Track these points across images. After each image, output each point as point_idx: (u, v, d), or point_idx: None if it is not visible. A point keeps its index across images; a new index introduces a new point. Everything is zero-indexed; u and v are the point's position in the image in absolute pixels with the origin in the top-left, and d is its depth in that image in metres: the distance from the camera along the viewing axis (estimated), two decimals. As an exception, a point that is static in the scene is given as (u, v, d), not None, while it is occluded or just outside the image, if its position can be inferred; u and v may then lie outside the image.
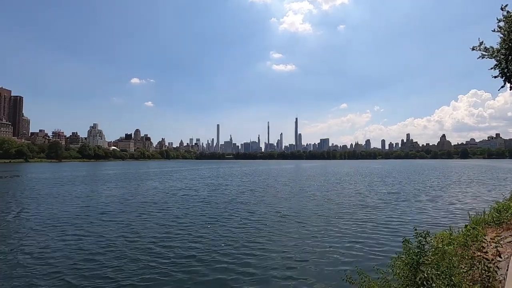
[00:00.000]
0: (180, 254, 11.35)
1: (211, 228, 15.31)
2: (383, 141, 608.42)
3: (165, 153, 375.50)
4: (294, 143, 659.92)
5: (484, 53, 10.54)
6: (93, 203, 23.99)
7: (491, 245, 5.97)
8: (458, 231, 10.43)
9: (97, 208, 21.58)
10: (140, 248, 12.02)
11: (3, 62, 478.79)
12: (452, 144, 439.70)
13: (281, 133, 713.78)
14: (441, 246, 6.07)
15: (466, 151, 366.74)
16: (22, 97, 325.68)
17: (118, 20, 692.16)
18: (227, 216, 18.45)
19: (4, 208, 22.35)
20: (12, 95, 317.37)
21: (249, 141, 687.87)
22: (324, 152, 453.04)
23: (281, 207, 21.67)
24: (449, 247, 6.53)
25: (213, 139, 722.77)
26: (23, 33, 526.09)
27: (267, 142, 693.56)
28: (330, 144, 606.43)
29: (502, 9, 9.77)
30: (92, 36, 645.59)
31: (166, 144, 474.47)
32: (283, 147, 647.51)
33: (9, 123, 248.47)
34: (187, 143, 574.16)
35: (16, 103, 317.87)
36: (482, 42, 10.52)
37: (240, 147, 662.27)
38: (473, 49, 10.68)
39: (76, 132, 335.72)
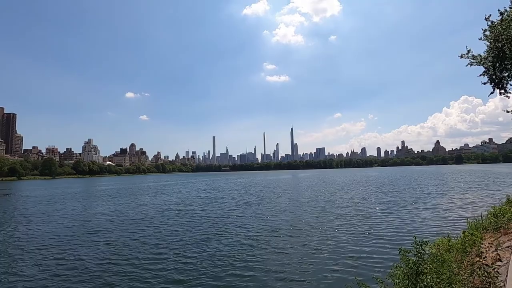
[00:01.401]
0: (172, 274, 10.88)
1: (204, 246, 14.70)
2: (378, 149, 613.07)
3: (161, 166, 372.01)
4: (290, 153, 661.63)
5: (472, 60, 10.81)
6: (83, 222, 23.28)
7: (489, 250, 5.95)
8: (456, 237, 10.40)
9: (87, 227, 20.85)
10: (128, 269, 11.52)
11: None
12: (447, 150, 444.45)
13: (277, 144, 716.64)
14: (439, 254, 6.03)
15: (461, 156, 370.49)
16: (15, 114, 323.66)
17: (112, 35, 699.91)
18: (221, 232, 17.85)
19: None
20: (5, 112, 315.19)
21: (245, 153, 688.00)
22: (321, 161, 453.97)
23: (278, 220, 21.36)
24: (449, 254, 6.49)
25: (209, 151, 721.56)
26: (15, 49, 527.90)
27: (263, 153, 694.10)
28: (326, 153, 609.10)
29: (486, 19, 10.11)
30: (85, 51, 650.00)
31: (162, 157, 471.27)
32: (280, 157, 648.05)
33: (2, 140, 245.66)
34: (183, 156, 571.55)
35: (9, 120, 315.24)
36: (470, 50, 10.81)
37: (236, 159, 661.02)
38: (461, 56, 10.95)
39: (70, 148, 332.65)
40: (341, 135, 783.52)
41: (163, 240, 16.26)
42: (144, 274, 10.97)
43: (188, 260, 12.45)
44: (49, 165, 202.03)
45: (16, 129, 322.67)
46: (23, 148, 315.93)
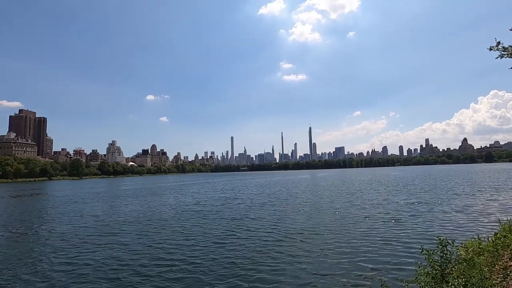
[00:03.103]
0: (185, 278, 10.69)
1: (219, 250, 14.28)
2: (400, 147, 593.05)
3: (181, 167, 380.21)
4: (308, 153, 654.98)
5: (503, 52, 10.20)
6: (103, 222, 23.82)
7: (525, 254, 5.57)
8: (487, 239, 9.87)
9: (107, 228, 21.21)
10: (141, 272, 11.50)
11: (29, 85, 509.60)
12: (475, 148, 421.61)
13: (295, 143, 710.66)
14: (467, 255, 5.74)
15: (491, 154, 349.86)
16: (46, 118, 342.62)
17: (132, 41, 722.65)
18: (237, 235, 17.35)
19: (21, 225, 23.23)
20: (36, 116, 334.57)
21: (263, 152, 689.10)
22: (340, 160, 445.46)
23: (295, 223, 20.82)
24: (480, 257, 6.16)
25: (227, 151, 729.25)
26: (44, 58, 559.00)
27: (281, 152, 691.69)
28: (345, 152, 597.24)
29: (517, 7, 9.50)
30: (108, 58, 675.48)
31: (182, 158, 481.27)
32: (298, 157, 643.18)
33: (34, 143, 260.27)
34: (202, 156, 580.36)
35: (41, 124, 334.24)
36: (500, 41, 10.21)
37: (254, 159, 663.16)
38: (490, 49, 10.36)
39: (96, 150, 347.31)
40: (361, 133, 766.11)
41: (178, 242, 16.04)
42: (155, 277, 10.91)
43: (202, 264, 12.16)
44: (77, 166, 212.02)
45: (46, 132, 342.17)
46: (53, 150, 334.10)
